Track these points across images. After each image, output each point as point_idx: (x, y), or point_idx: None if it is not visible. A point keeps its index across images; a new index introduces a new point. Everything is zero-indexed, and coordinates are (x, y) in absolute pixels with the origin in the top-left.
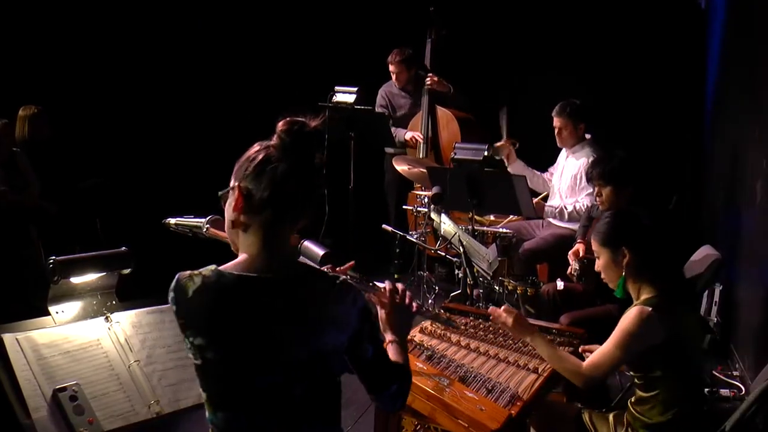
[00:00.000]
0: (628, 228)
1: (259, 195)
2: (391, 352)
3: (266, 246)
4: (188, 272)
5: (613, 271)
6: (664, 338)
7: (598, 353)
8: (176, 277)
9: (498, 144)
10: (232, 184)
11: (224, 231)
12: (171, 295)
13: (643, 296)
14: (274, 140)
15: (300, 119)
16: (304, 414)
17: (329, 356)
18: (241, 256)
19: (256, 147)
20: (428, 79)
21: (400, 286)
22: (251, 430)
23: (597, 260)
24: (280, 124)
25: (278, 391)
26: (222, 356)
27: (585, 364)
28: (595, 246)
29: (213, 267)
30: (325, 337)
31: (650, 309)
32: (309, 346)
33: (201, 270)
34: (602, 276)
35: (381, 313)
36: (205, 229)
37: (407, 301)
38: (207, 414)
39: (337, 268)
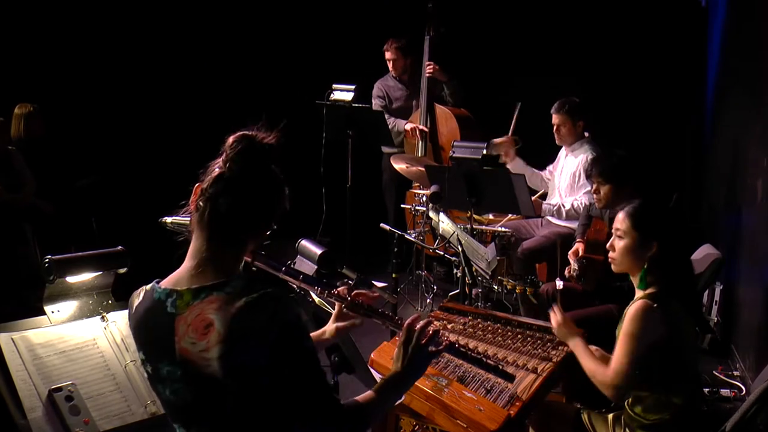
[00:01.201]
0: (663, 221)
1: (205, 210)
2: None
3: (203, 261)
4: (137, 290)
5: (631, 258)
6: (665, 335)
7: (614, 360)
8: (132, 294)
9: (497, 140)
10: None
11: None
12: (129, 304)
13: (648, 290)
14: (222, 157)
15: (250, 133)
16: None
17: (253, 376)
18: (183, 265)
19: (215, 161)
20: (429, 66)
21: (421, 323)
22: None
23: (616, 240)
24: (230, 138)
25: (201, 408)
26: (151, 373)
27: (607, 373)
28: (623, 225)
29: (155, 281)
30: (245, 357)
31: (654, 304)
32: (219, 364)
33: (148, 285)
34: (612, 255)
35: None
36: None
37: (423, 339)
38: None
39: (337, 290)
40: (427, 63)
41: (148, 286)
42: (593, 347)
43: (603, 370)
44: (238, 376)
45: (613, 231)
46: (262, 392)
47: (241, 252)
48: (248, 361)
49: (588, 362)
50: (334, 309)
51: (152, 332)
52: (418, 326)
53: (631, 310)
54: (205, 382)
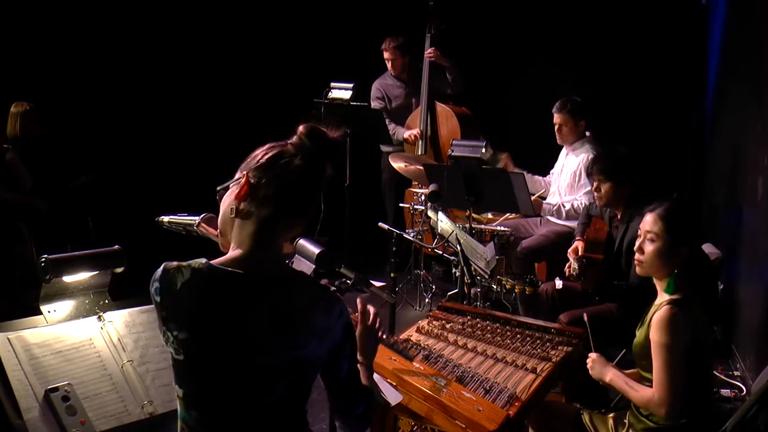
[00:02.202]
0: (694, 225)
1: (265, 188)
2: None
3: (259, 244)
4: (176, 263)
5: (661, 262)
6: (688, 342)
7: (656, 379)
8: (162, 267)
9: (501, 155)
10: (237, 175)
11: (215, 230)
12: (156, 285)
13: (674, 296)
14: (294, 139)
15: (323, 127)
16: (274, 421)
17: (307, 367)
18: (233, 252)
19: (270, 144)
20: (430, 51)
21: (372, 309)
22: None
23: (647, 243)
24: (302, 126)
25: (252, 395)
26: (203, 353)
27: (656, 395)
28: (655, 227)
29: (203, 260)
30: (305, 347)
31: (680, 309)
32: (288, 353)
33: (190, 262)
34: (640, 257)
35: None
36: (196, 224)
37: (377, 325)
38: (179, 411)
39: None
40: (428, 50)
41: (198, 264)
42: (630, 371)
43: (650, 394)
44: (306, 365)
45: (641, 233)
46: (342, 377)
47: (283, 241)
48: (319, 350)
49: (632, 393)
50: None
51: (215, 313)
52: (372, 314)
53: (658, 318)
54: (267, 368)
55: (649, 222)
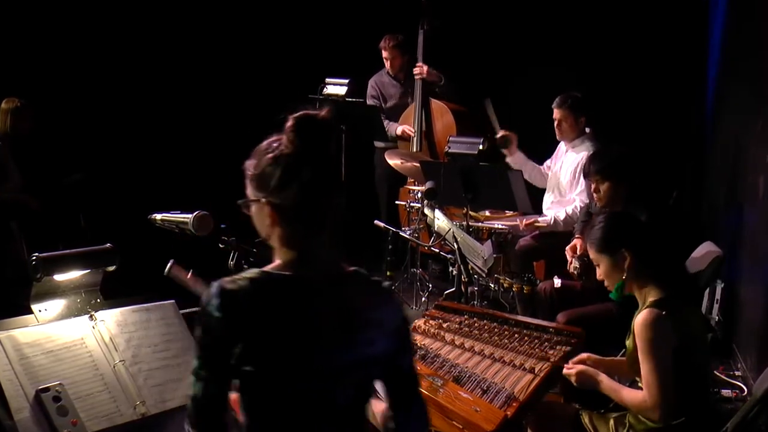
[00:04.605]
0: (623, 228)
1: (291, 205)
2: None
3: (309, 249)
4: (229, 278)
5: (618, 277)
6: (676, 343)
7: (644, 383)
8: (218, 284)
9: (504, 133)
10: (253, 195)
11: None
12: (215, 302)
13: (650, 298)
14: (286, 143)
15: (308, 111)
16: (345, 423)
17: (374, 364)
18: (283, 257)
19: (270, 154)
20: (417, 68)
21: None
22: None
23: (597, 269)
24: (289, 123)
25: (324, 398)
26: (274, 361)
27: (645, 398)
28: (592, 254)
29: (256, 270)
30: (372, 344)
31: (661, 311)
32: (356, 352)
33: (243, 274)
34: (606, 284)
35: None
36: (166, 272)
37: None
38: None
39: None
40: (417, 65)
41: (253, 274)
42: (583, 356)
43: (640, 398)
44: (374, 362)
45: None
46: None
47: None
48: (383, 345)
49: (622, 396)
50: None
51: (282, 319)
52: None
53: (639, 322)
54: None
55: (590, 253)
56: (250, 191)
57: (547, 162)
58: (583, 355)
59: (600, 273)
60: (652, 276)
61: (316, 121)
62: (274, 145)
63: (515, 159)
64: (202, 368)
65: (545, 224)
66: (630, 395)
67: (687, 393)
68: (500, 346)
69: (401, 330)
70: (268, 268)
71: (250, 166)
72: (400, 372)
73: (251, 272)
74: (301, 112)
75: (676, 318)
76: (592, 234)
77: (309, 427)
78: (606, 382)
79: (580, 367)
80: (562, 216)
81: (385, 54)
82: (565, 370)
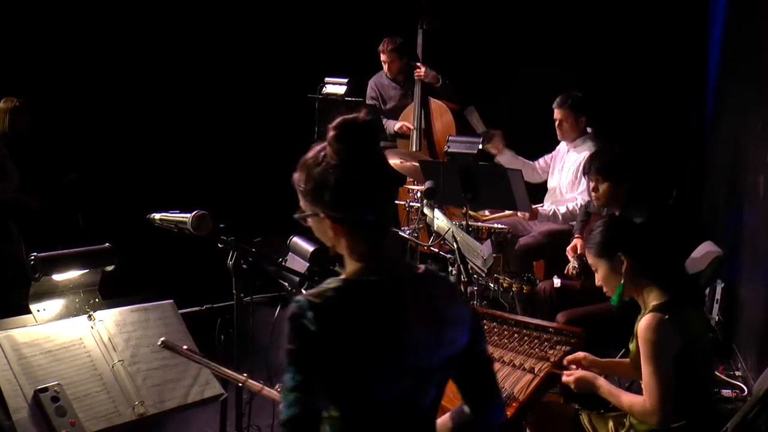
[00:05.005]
0: (620, 232)
1: (350, 215)
2: None
3: (378, 252)
4: (312, 291)
5: (615, 282)
6: (679, 346)
7: (644, 385)
8: (305, 299)
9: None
10: (309, 209)
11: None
12: (309, 315)
13: (652, 302)
14: (331, 154)
15: (346, 117)
16: (425, 422)
17: (455, 361)
18: (356, 264)
19: (318, 168)
20: (417, 70)
21: None
22: None
23: (596, 274)
24: (330, 134)
25: (412, 399)
26: (369, 366)
27: (646, 402)
28: (590, 259)
29: (335, 279)
30: (455, 340)
31: (663, 315)
32: (442, 350)
33: (324, 286)
34: (605, 290)
35: None
36: (159, 344)
37: None
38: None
39: None
40: (417, 65)
41: (336, 283)
42: (578, 354)
43: (640, 401)
44: (455, 359)
45: None
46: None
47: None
48: (464, 340)
49: (621, 400)
50: None
51: (373, 324)
52: None
53: (642, 326)
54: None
55: (588, 258)
56: (305, 205)
57: (546, 157)
58: (579, 354)
59: (598, 278)
60: (651, 279)
61: (357, 126)
62: (321, 155)
63: (504, 158)
64: (301, 385)
65: (545, 214)
66: (630, 399)
67: (688, 395)
68: (500, 345)
69: (474, 321)
70: (345, 275)
71: (299, 180)
72: (479, 364)
73: (332, 282)
74: (339, 119)
75: (678, 321)
76: (591, 239)
77: (395, 430)
78: (605, 386)
79: (579, 373)
80: (562, 210)
81: (383, 57)
82: (564, 378)
